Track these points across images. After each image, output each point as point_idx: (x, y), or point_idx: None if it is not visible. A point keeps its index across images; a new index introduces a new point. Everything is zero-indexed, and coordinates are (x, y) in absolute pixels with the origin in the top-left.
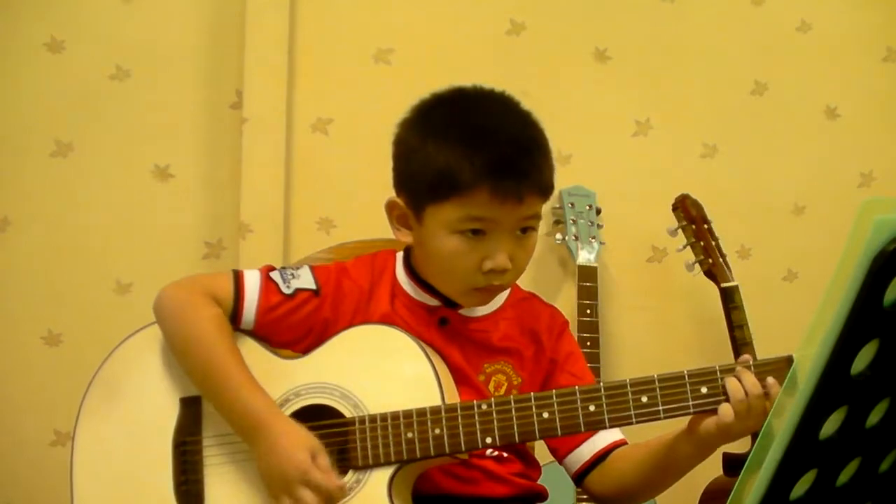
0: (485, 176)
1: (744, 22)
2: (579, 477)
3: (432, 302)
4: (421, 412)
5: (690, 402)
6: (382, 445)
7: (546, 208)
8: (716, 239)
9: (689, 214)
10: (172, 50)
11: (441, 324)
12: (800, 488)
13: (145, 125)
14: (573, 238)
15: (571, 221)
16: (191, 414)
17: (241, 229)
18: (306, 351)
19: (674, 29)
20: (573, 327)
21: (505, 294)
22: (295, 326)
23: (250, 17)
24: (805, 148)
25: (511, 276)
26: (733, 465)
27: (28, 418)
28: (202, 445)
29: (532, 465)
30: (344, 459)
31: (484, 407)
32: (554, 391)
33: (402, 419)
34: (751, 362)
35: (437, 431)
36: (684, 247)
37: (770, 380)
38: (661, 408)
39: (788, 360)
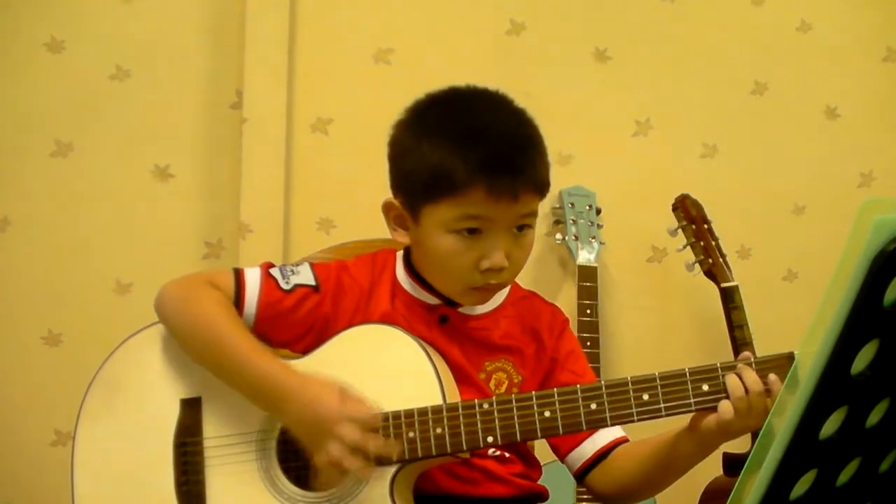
0: (479, 174)
1: (744, 22)
2: (581, 475)
3: (432, 300)
4: (422, 411)
5: (692, 400)
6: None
7: (546, 208)
8: (716, 239)
9: (689, 214)
10: (172, 50)
11: (441, 322)
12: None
13: (145, 125)
14: (573, 238)
15: (571, 221)
16: (191, 414)
17: (241, 229)
18: (306, 350)
19: (674, 29)
20: (573, 327)
21: (505, 292)
22: (295, 324)
23: (250, 17)
24: (805, 148)
25: (508, 274)
26: (733, 465)
27: (28, 418)
28: (203, 446)
29: (533, 466)
30: None
31: (485, 406)
32: (555, 390)
33: (403, 418)
34: (752, 359)
35: (439, 431)
36: (684, 247)
37: (772, 377)
38: (662, 405)
39: (790, 357)
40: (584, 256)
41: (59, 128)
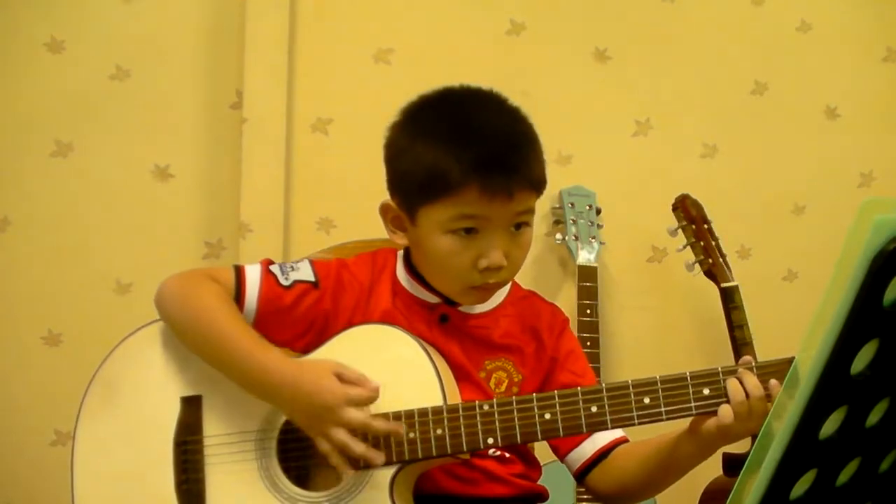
0: (473, 173)
1: (744, 22)
2: (581, 474)
3: (432, 299)
4: (423, 412)
5: (693, 404)
6: (384, 446)
7: (546, 208)
8: (716, 239)
9: (689, 214)
10: (172, 50)
11: (442, 321)
12: (800, 488)
13: (145, 125)
14: (573, 238)
15: (571, 221)
16: (191, 413)
17: (241, 229)
18: (306, 349)
19: (674, 29)
20: (573, 327)
21: (505, 291)
22: (295, 321)
23: (250, 17)
24: (805, 148)
25: (507, 273)
26: (733, 465)
27: (28, 418)
28: (203, 444)
29: (533, 466)
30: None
31: (486, 407)
32: (556, 392)
33: (403, 419)
34: (753, 364)
35: (439, 431)
36: (684, 247)
37: (773, 382)
38: (663, 409)
39: (791, 363)
40: (584, 256)
41: (59, 128)
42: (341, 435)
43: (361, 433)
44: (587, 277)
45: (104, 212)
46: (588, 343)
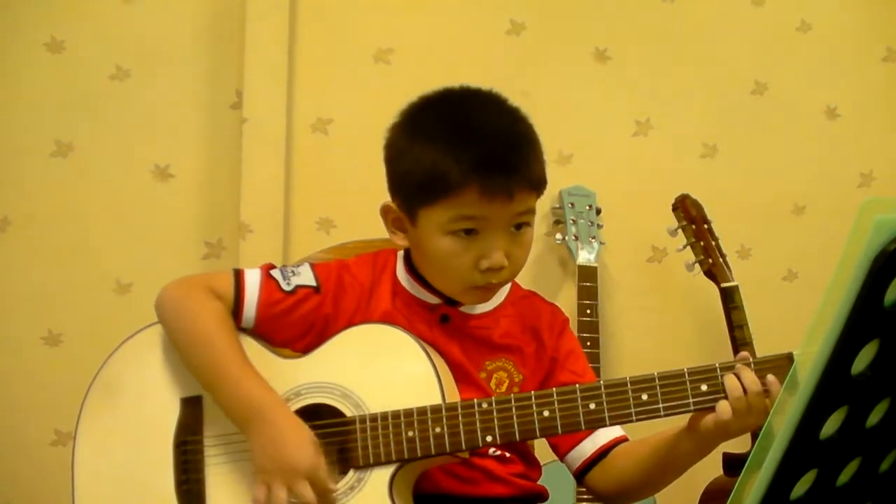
0: (472, 174)
1: (744, 22)
2: (581, 474)
3: (433, 300)
4: (421, 411)
5: (691, 400)
6: (383, 444)
7: (546, 208)
8: (716, 239)
9: (689, 214)
10: (172, 50)
11: (442, 321)
12: (800, 488)
13: (145, 125)
14: (573, 238)
15: (571, 221)
16: (192, 413)
17: (241, 229)
18: (307, 350)
19: (674, 29)
20: (573, 327)
21: (505, 291)
22: (295, 324)
23: (250, 17)
24: (805, 148)
25: (508, 273)
26: (733, 465)
27: (28, 418)
28: (203, 445)
29: (533, 466)
30: (345, 459)
31: (484, 405)
32: (554, 389)
33: (402, 418)
34: (750, 360)
35: (438, 430)
36: (684, 247)
37: (770, 377)
38: (661, 405)
39: (789, 358)
40: (584, 256)
41: (59, 128)
42: (283, 497)
43: None
44: (587, 277)
45: (104, 212)
46: (588, 343)
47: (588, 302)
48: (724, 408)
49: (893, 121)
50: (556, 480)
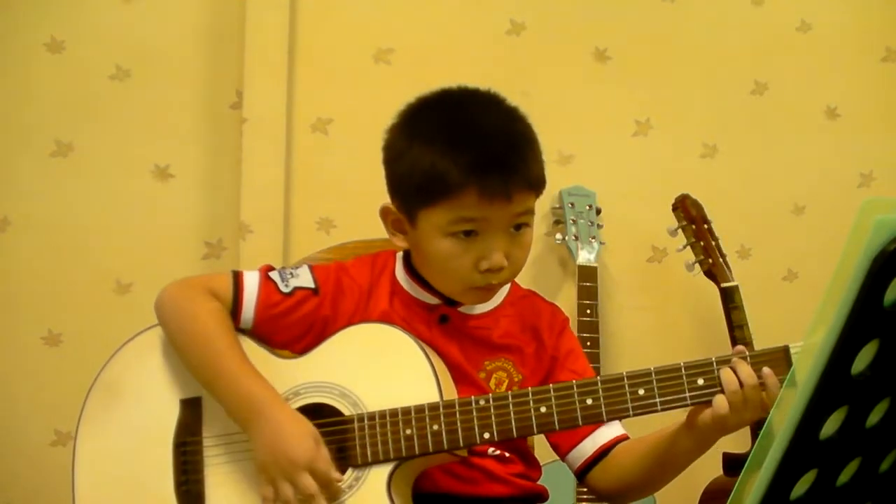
0: (471, 175)
1: (744, 22)
2: (582, 473)
3: (432, 300)
4: (419, 409)
5: (687, 394)
6: (381, 443)
7: (546, 208)
8: (716, 239)
9: (689, 214)
10: (172, 50)
11: (441, 322)
12: (800, 488)
13: (145, 125)
14: (573, 238)
15: (571, 221)
16: (191, 414)
17: (241, 229)
18: (305, 350)
19: (674, 29)
20: (573, 327)
21: (505, 291)
22: (294, 325)
23: (250, 17)
24: (805, 148)
25: (509, 273)
26: (733, 465)
27: (28, 418)
28: (202, 445)
29: (533, 466)
30: (343, 457)
31: (481, 402)
32: (551, 385)
33: (400, 416)
34: (746, 353)
35: (436, 427)
36: (684, 247)
37: (766, 370)
38: (657, 400)
39: (784, 351)
40: (584, 256)
41: (59, 128)
42: (289, 493)
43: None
44: (587, 277)
45: (104, 212)
46: (588, 343)
47: (588, 302)
48: (720, 402)
49: (893, 121)
50: (556, 480)
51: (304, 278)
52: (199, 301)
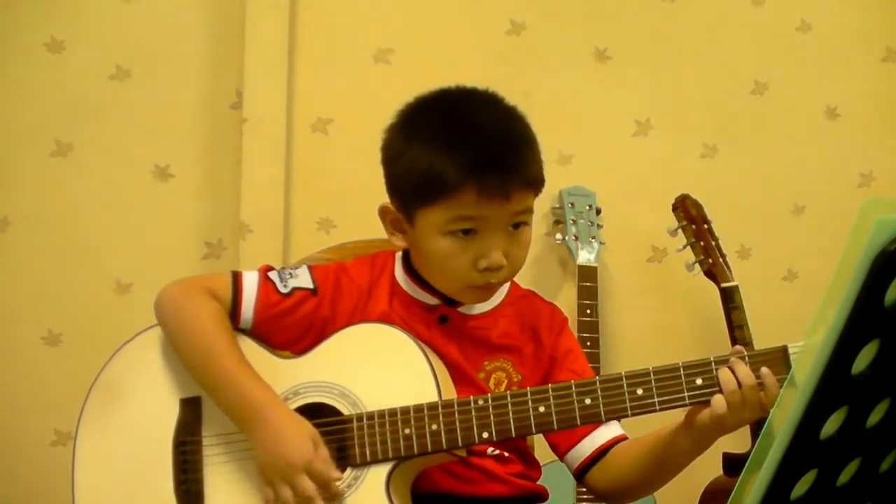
0: (469, 174)
1: (744, 22)
2: (580, 473)
3: (431, 300)
4: (418, 408)
5: (686, 394)
6: (380, 442)
7: (546, 208)
8: (716, 239)
9: (689, 214)
10: (172, 50)
11: (440, 322)
12: (800, 488)
13: (145, 125)
14: (573, 238)
15: (571, 221)
16: (190, 414)
17: (241, 229)
18: (304, 350)
19: (674, 29)
20: (573, 327)
21: (504, 291)
22: (293, 326)
23: (250, 17)
24: (805, 148)
25: (508, 272)
26: (733, 465)
27: (28, 418)
28: (202, 445)
29: (532, 466)
30: (342, 457)
31: (480, 402)
32: (550, 385)
33: (399, 416)
34: (745, 353)
35: (434, 427)
36: (684, 247)
37: (764, 370)
38: (656, 400)
39: (783, 351)
40: (584, 256)
41: (59, 128)
42: (288, 495)
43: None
44: (587, 277)
45: (104, 212)
46: (588, 343)
47: (588, 302)
48: (719, 402)
49: (893, 121)
50: (556, 480)
51: (303, 279)
52: (199, 301)
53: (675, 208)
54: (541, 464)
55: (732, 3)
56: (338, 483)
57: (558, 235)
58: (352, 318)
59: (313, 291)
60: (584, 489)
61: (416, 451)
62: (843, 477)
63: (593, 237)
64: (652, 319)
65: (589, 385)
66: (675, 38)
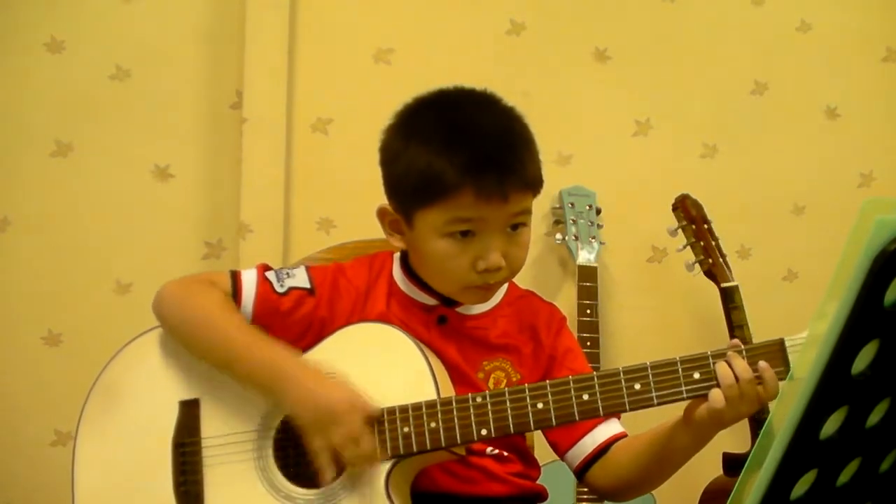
0: (467, 176)
1: (744, 22)
2: (581, 471)
3: (430, 301)
4: (416, 406)
5: (683, 388)
6: (379, 441)
7: (546, 208)
8: (716, 239)
9: (689, 214)
10: (172, 50)
11: (439, 322)
12: (800, 488)
13: (145, 125)
14: (573, 238)
15: (571, 221)
16: (190, 415)
17: (241, 229)
18: (304, 350)
19: (674, 29)
20: (573, 327)
21: (503, 291)
22: (292, 326)
23: (250, 17)
24: (805, 148)
25: (507, 273)
26: (733, 465)
27: (28, 418)
28: (201, 446)
29: (532, 465)
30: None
31: (479, 399)
32: (548, 381)
33: (398, 414)
34: (742, 347)
35: (433, 425)
36: (684, 247)
37: (762, 364)
38: (654, 394)
39: (780, 344)
40: (584, 256)
41: (59, 128)
42: (340, 436)
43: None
44: (587, 277)
45: (104, 212)
46: (588, 343)
47: (588, 302)
48: (716, 396)
49: (893, 121)
50: (556, 480)
51: (300, 279)
52: (203, 291)
53: (675, 208)
54: (540, 464)
55: (732, 3)
56: (342, 477)
57: (558, 235)
58: (350, 318)
59: (310, 291)
60: (584, 488)
61: (415, 450)
62: (843, 477)
63: (593, 237)
64: (652, 319)
65: (587, 381)
66: (675, 38)
